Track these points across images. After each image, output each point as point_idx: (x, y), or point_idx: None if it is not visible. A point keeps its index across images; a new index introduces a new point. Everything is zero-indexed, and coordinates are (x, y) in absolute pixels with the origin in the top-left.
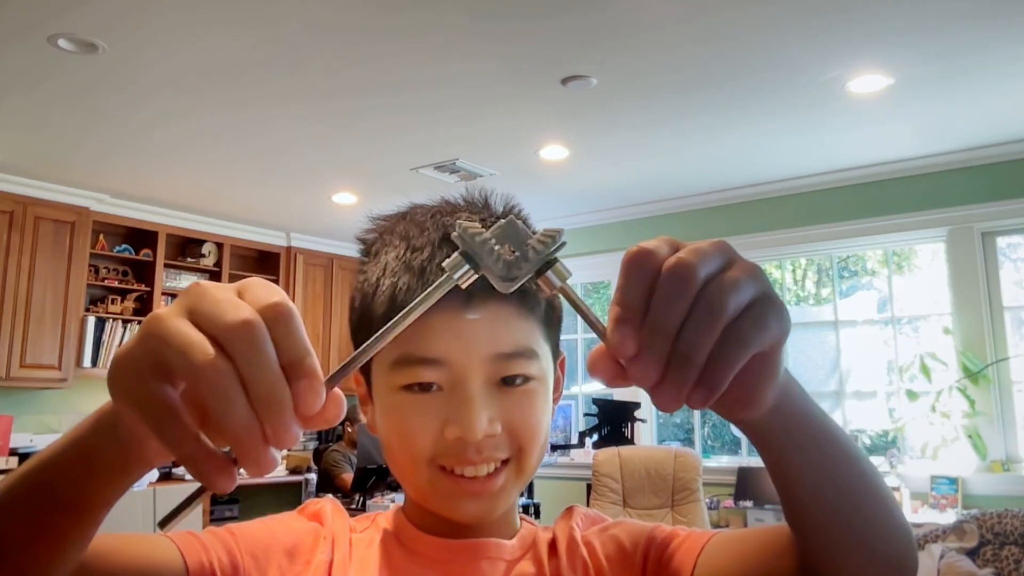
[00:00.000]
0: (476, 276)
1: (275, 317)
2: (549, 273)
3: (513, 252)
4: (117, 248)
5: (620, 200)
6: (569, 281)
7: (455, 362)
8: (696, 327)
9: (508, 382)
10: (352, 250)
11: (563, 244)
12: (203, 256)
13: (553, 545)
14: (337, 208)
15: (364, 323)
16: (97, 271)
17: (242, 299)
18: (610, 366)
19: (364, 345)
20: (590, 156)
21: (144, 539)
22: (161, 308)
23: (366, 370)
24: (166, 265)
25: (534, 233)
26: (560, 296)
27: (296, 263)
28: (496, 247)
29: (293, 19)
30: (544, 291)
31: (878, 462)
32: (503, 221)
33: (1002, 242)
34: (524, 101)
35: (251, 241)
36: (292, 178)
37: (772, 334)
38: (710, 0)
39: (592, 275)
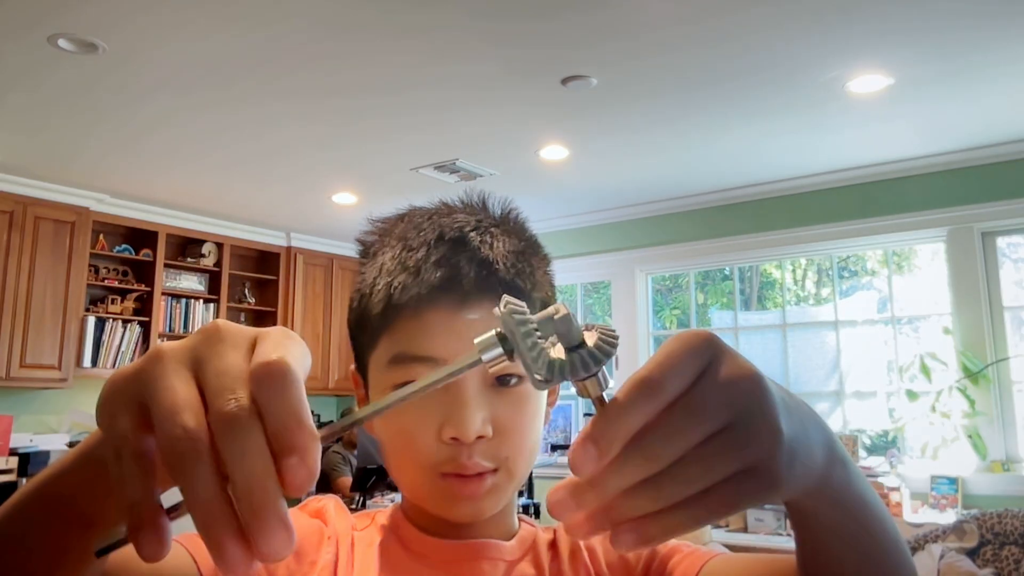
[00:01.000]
0: (505, 362)
1: (268, 375)
2: (589, 382)
3: (555, 344)
4: (117, 248)
5: (620, 200)
6: (568, 282)
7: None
8: (637, 499)
9: (503, 382)
10: (352, 250)
11: (613, 354)
12: (203, 256)
13: (554, 546)
14: (337, 208)
15: (362, 322)
16: (97, 271)
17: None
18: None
19: (364, 409)
20: (590, 156)
21: None
22: (170, 343)
23: (363, 371)
24: (166, 265)
25: (586, 328)
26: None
27: (296, 263)
28: (539, 339)
29: (293, 19)
30: (576, 389)
31: (878, 462)
32: (554, 309)
33: (1002, 242)
34: (524, 101)
35: (251, 241)
36: (292, 178)
37: (744, 507)
38: (710, 0)
39: (592, 275)
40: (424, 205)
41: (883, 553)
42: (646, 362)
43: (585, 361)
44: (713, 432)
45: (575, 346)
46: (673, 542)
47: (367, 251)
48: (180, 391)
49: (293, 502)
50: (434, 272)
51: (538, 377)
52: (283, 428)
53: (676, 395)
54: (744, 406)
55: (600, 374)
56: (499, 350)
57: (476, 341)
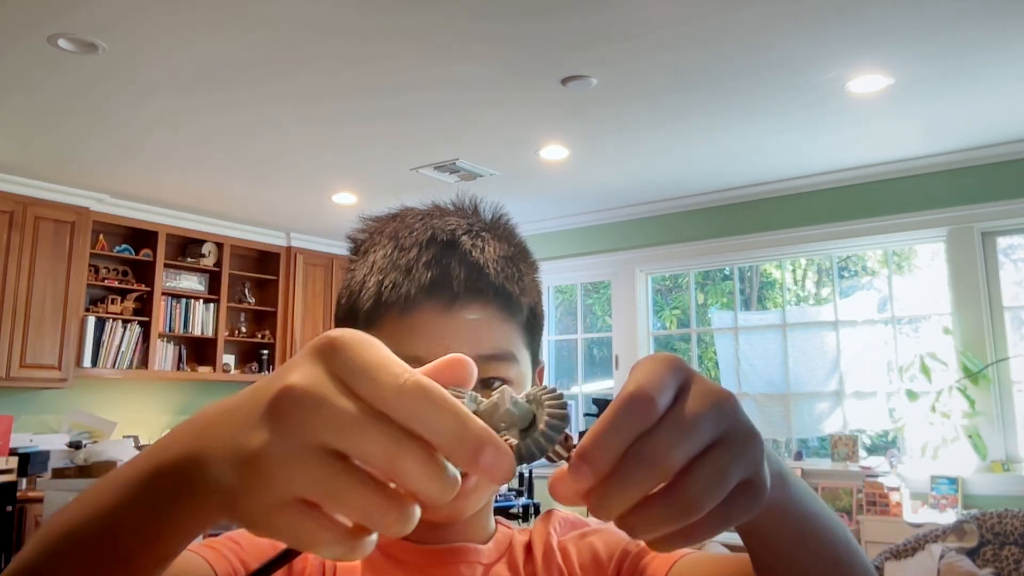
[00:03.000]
0: None
1: (418, 390)
2: (555, 450)
3: (508, 429)
4: (117, 248)
5: (620, 200)
6: (568, 282)
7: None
8: (654, 513)
9: (486, 384)
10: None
11: (567, 420)
12: (203, 256)
13: (529, 549)
14: (337, 208)
15: (350, 318)
16: (97, 271)
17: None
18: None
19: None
20: (590, 156)
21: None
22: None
23: None
24: (166, 265)
25: (528, 399)
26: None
27: (296, 263)
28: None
29: (294, 19)
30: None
31: (878, 462)
32: (491, 403)
33: (1002, 242)
34: (524, 101)
35: (251, 241)
36: (292, 178)
37: (740, 519)
38: (710, 0)
39: (592, 275)
40: (417, 206)
41: (835, 560)
42: (626, 382)
43: (540, 445)
44: (707, 446)
45: (527, 427)
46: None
47: (358, 248)
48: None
49: None
50: (425, 273)
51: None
52: (454, 433)
53: (664, 409)
54: (732, 420)
55: (561, 440)
56: None
57: None
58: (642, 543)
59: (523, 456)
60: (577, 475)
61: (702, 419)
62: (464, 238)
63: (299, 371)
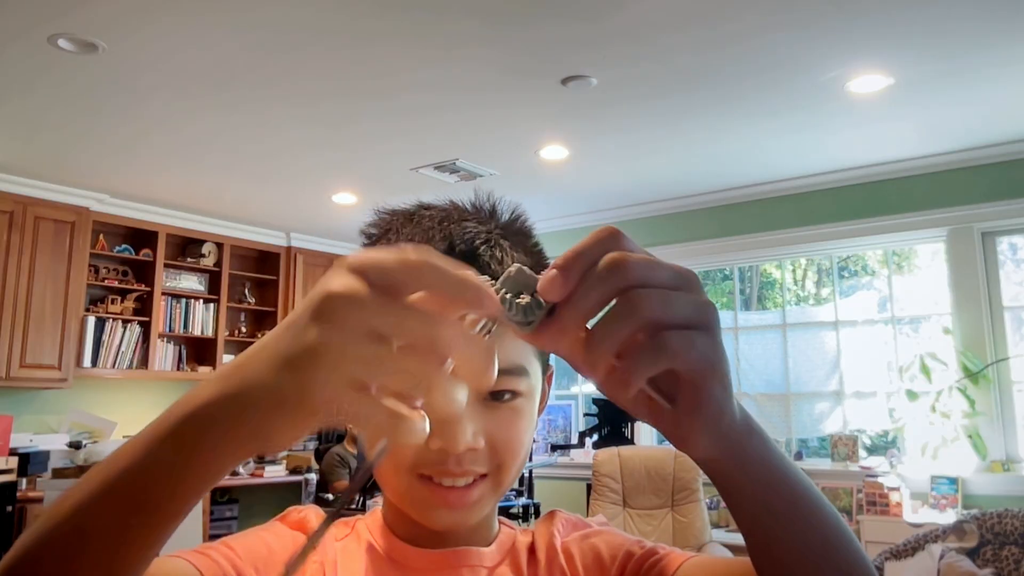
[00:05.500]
0: (494, 328)
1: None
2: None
3: (520, 295)
4: (117, 248)
5: (620, 200)
6: None
7: None
8: (608, 317)
9: (496, 397)
10: (352, 250)
11: None
12: (203, 256)
13: (532, 550)
14: (337, 208)
15: None
16: (97, 271)
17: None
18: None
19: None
20: (590, 156)
21: (163, 562)
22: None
23: None
24: (166, 265)
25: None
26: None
27: (296, 263)
28: (509, 296)
29: (293, 19)
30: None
31: (878, 462)
32: (511, 269)
33: (1002, 242)
34: (524, 101)
35: (251, 241)
36: (292, 178)
37: (694, 358)
38: (711, 0)
39: None
40: (434, 203)
41: (815, 529)
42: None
43: (538, 300)
44: (668, 282)
45: (535, 287)
46: (650, 544)
47: (372, 245)
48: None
49: (273, 513)
50: None
51: (517, 320)
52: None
53: (645, 282)
54: (691, 280)
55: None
56: (486, 322)
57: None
58: (646, 545)
59: (532, 306)
60: (550, 282)
61: (665, 265)
62: (483, 249)
63: (334, 281)
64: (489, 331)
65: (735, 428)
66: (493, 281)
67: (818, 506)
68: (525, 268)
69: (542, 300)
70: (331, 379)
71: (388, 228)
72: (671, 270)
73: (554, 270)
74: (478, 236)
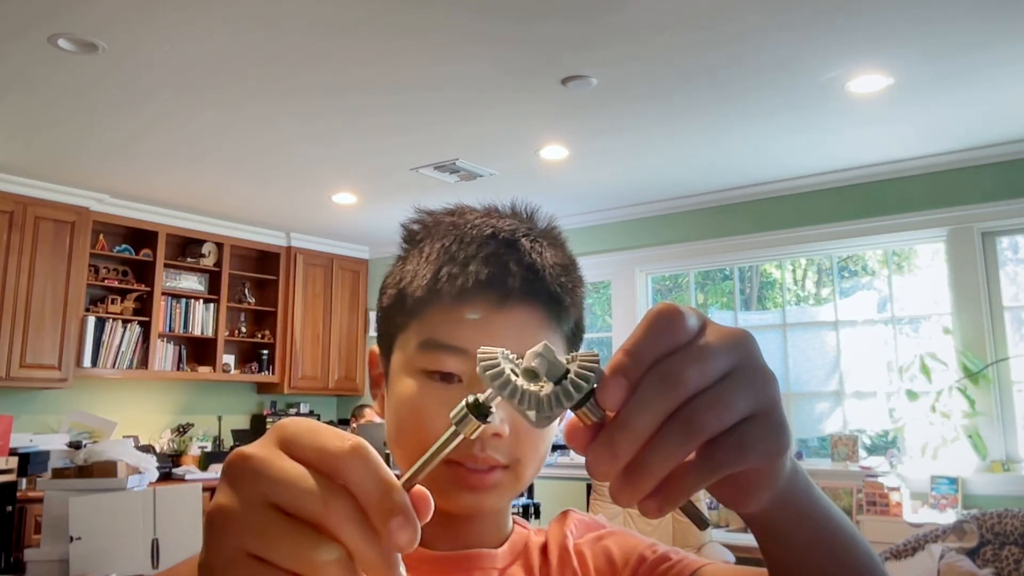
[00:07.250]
0: (483, 427)
1: (354, 454)
2: (584, 411)
3: (542, 385)
4: (117, 248)
5: (620, 200)
6: None
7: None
8: (662, 443)
9: None
10: (352, 250)
11: (601, 374)
12: (203, 256)
13: (545, 551)
14: (337, 208)
15: (398, 303)
16: (97, 271)
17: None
18: (584, 435)
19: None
20: (590, 156)
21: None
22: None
23: (387, 351)
24: (166, 265)
25: (569, 360)
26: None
27: (296, 263)
28: (522, 384)
29: (293, 19)
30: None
31: (878, 462)
32: (538, 347)
33: (1002, 242)
34: (524, 101)
35: (251, 241)
36: (292, 178)
37: (755, 458)
38: (711, 0)
39: (592, 275)
40: (475, 206)
41: (853, 563)
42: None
43: (567, 390)
44: (722, 374)
45: (559, 379)
46: (663, 548)
47: (412, 238)
48: (290, 464)
49: None
50: (483, 268)
51: (530, 415)
52: (378, 494)
53: (687, 339)
54: (745, 353)
55: (591, 402)
56: (471, 418)
57: (450, 415)
58: (659, 550)
59: (550, 402)
60: (616, 391)
61: (717, 349)
62: (524, 240)
63: (253, 444)
64: (477, 431)
65: (785, 478)
66: (498, 361)
67: (849, 531)
68: (549, 352)
69: (572, 392)
70: (225, 546)
71: (430, 224)
72: (725, 355)
73: (620, 376)
74: (519, 229)
